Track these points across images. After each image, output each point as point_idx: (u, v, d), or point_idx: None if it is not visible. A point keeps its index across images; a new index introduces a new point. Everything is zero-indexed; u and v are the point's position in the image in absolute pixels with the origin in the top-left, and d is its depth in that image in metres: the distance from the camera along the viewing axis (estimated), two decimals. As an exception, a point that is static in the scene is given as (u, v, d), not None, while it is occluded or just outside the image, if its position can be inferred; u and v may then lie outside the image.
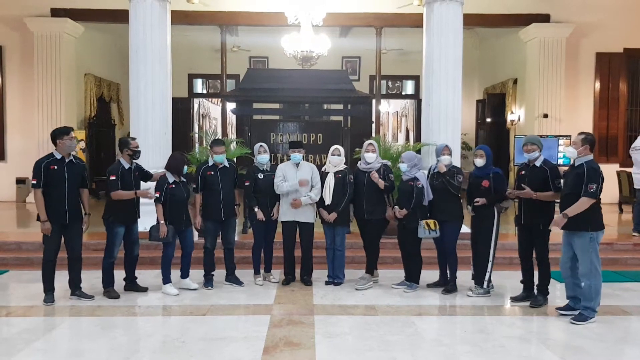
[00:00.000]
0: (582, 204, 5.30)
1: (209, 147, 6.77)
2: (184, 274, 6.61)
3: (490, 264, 6.28)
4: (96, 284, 6.51)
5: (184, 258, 6.58)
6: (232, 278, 6.76)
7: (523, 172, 5.99)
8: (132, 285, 6.45)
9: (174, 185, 6.33)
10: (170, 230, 6.24)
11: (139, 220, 6.45)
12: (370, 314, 5.74)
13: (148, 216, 6.52)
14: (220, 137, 9.06)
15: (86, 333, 5.19)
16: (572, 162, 5.61)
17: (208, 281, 6.61)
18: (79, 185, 6.01)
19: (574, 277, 5.60)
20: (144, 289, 6.45)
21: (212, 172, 6.54)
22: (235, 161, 7.95)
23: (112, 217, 6.20)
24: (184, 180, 6.50)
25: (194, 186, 6.61)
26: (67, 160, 5.90)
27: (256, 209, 6.64)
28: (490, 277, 6.34)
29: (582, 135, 5.51)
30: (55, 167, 5.81)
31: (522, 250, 6.11)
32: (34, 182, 5.76)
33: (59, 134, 5.95)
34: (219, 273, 6.76)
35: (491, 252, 6.25)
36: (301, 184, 6.57)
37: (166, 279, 6.44)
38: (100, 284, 6.34)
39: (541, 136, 12.20)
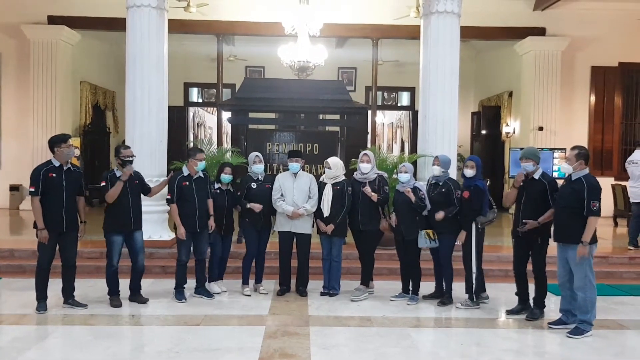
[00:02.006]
0: (592, 224, 5.29)
1: (187, 159, 6.57)
2: (220, 276, 6.84)
3: (473, 276, 6.25)
4: (89, 293, 6.48)
5: (221, 262, 6.79)
6: (202, 290, 6.63)
7: (520, 185, 5.95)
8: (134, 296, 6.35)
9: (218, 191, 6.55)
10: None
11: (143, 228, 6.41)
12: (366, 325, 5.71)
13: (152, 224, 6.47)
14: (199, 146, 9.12)
15: (79, 343, 5.13)
16: (567, 176, 5.58)
17: (180, 293, 6.46)
18: (76, 193, 5.98)
19: (571, 291, 5.57)
20: (145, 300, 6.34)
21: (187, 183, 6.37)
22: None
23: (108, 225, 6.17)
24: (230, 189, 6.68)
25: (238, 193, 6.66)
26: (65, 168, 5.86)
27: (248, 205, 6.54)
28: (475, 290, 6.31)
29: (575, 151, 5.50)
30: (54, 175, 5.76)
31: (517, 263, 6.08)
32: (32, 189, 5.71)
33: (56, 142, 5.89)
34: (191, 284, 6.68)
35: (474, 266, 6.23)
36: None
37: (210, 278, 6.73)
38: (93, 293, 6.32)
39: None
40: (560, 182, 5.85)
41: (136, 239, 6.29)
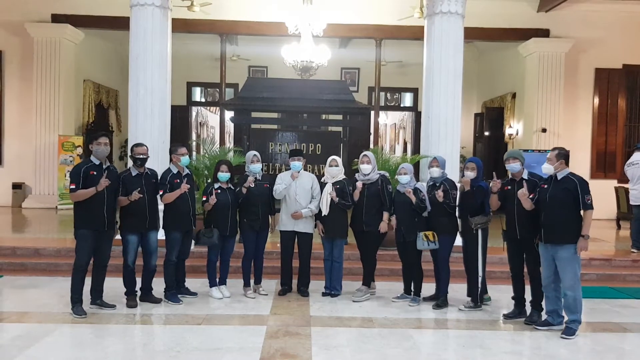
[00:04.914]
0: (588, 218, 5.40)
1: (171, 155, 6.49)
2: (222, 281, 6.68)
3: (480, 279, 6.24)
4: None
5: (223, 265, 6.66)
6: (180, 291, 6.52)
7: (509, 188, 5.91)
8: (146, 296, 6.30)
9: (219, 191, 6.39)
10: (215, 233, 6.34)
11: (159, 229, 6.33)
12: (367, 326, 5.69)
13: None
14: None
15: (80, 341, 5.13)
16: (550, 177, 5.57)
17: (174, 295, 6.35)
18: (115, 191, 5.92)
19: (556, 291, 5.60)
20: (158, 300, 6.29)
21: (179, 180, 6.28)
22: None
23: (124, 224, 6.10)
24: (231, 187, 6.54)
25: (238, 190, 6.52)
26: (105, 166, 5.82)
27: (244, 189, 6.44)
28: (481, 292, 6.31)
29: (555, 151, 5.55)
30: (95, 173, 5.71)
31: (514, 266, 6.05)
32: (72, 186, 5.66)
33: (90, 140, 5.90)
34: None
35: (480, 267, 6.21)
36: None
37: (212, 283, 6.58)
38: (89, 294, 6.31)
39: (539, 151, 12.25)
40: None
41: (150, 240, 6.20)
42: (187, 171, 6.44)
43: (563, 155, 5.52)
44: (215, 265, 6.60)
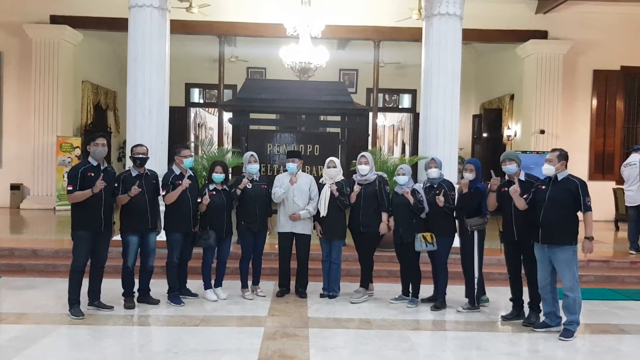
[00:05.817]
0: (590, 220, 5.44)
1: (174, 157, 6.46)
2: (218, 283, 6.65)
3: (476, 281, 6.24)
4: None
5: (220, 266, 6.61)
6: (181, 292, 6.49)
7: (506, 189, 5.89)
8: (144, 297, 6.28)
9: (214, 192, 6.37)
10: (211, 235, 6.30)
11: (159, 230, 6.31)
12: (365, 327, 5.69)
13: None
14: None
15: (77, 342, 5.12)
16: (548, 178, 5.57)
17: (176, 297, 6.32)
18: (112, 193, 5.91)
19: (553, 293, 5.61)
20: (156, 302, 6.26)
21: (181, 182, 6.24)
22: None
23: (124, 225, 6.08)
24: (226, 188, 6.51)
25: (232, 191, 6.51)
26: (102, 168, 5.81)
27: (239, 189, 6.44)
28: (478, 294, 6.30)
29: (556, 152, 5.54)
30: (92, 174, 5.69)
31: (511, 267, 6.04)
32: (70, 188, 5.66)
33: (88, 141, 5.90)
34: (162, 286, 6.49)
35: (476, 269, 6.20)
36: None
37: (206, 285, 6.54)
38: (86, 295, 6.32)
39: (538, 152, 12.26)
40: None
41: (149, 240, 6.19)
42: (190, 173, 6.40)
43: (564, 156, 5.52)
44: (210, 267, 6.58)
